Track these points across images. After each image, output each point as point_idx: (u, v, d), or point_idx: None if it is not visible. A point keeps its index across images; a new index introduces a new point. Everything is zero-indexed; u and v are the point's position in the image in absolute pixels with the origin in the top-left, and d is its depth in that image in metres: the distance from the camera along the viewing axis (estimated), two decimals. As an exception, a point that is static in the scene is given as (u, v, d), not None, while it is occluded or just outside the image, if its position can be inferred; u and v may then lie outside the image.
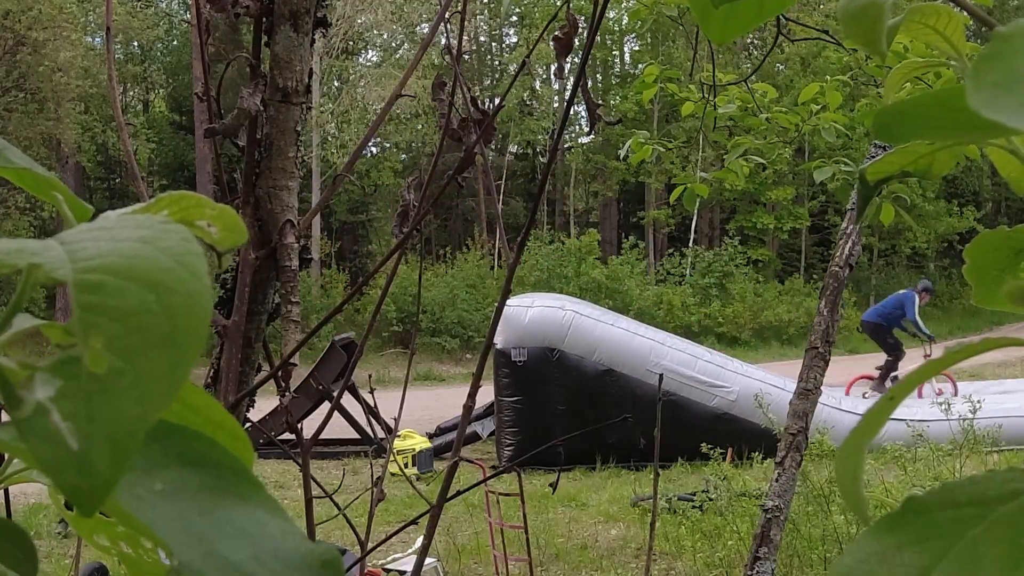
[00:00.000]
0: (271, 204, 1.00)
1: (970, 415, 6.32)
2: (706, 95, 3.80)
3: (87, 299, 0.30)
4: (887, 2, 0.39)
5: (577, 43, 0.96)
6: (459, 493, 1.41)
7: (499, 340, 9.40)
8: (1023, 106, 0.27)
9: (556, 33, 0.88)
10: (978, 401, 6.40)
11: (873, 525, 0.35)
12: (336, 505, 1.45)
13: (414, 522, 1.44)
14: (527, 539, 4.60)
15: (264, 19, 0.97)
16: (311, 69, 1.00)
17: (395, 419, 1.64)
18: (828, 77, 3.78)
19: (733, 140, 3.95)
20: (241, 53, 0.96)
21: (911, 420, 6.42)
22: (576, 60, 1.17)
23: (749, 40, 28.64)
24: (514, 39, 33.03)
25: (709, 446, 6.95)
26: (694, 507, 6.58)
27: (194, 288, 0.31)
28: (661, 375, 2.50)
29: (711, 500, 6.42)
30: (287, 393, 1.16)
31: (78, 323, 0.29)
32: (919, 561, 0.33)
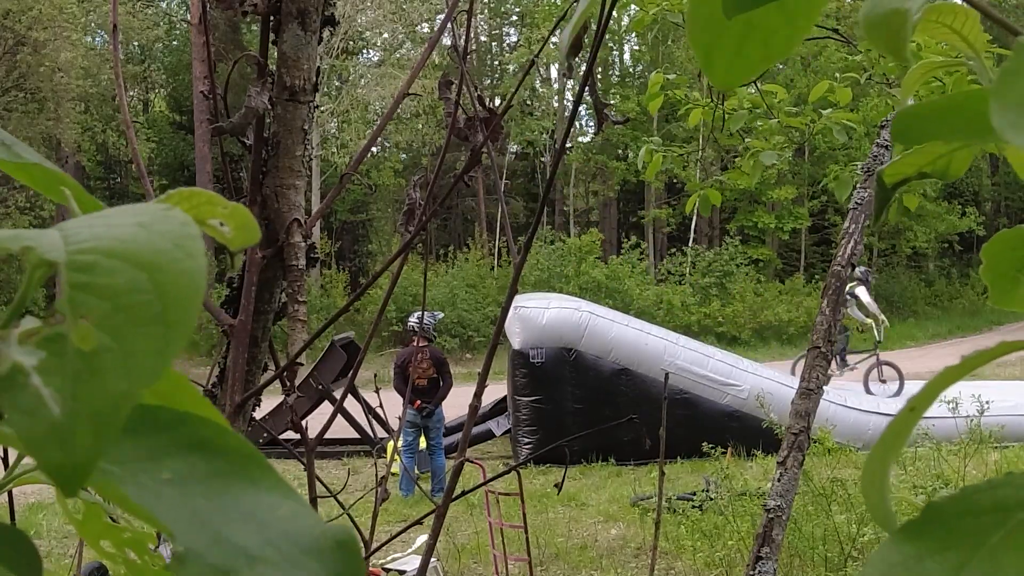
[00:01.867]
0: (278, 203, 0.99)
1: (976, 414, 6.33)
2: (714, 98, 3.79)
3: (78, 278, 0.29)
4: (911, 11, 0.38)
5: (585, 41, 0.96)
6: (464, 493, 1.41)
7: (517, 341, 9.59)
8: None
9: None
10: (987, 401, 6.41)
11: (894, 534, 0.35)
12: (340, 504, 1.45)
13: (418, 522, 1.43)
14: (527, 539, 4.61)
15: (272, 17, 0.96)
16: (319, 67, 1.00)
17: (398, 418, 1.64)
18: (837, 75, 3.76)
19: (747, 143, 3.94)
20: (247, 52, 0.95)
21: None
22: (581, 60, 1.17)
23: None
24: (514, 38, 33.04)
25: (711, 445, 6.98)
26: (694, 507, 6.59)
27: (188, 267, 0.30)
28: (667, 374, 2.50)
29: (711, 499, 6.42)
30: (293, 393, 1.16)
31: (67, 301, 0.29)
32: (940, 572, 0.33)
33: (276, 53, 0.98)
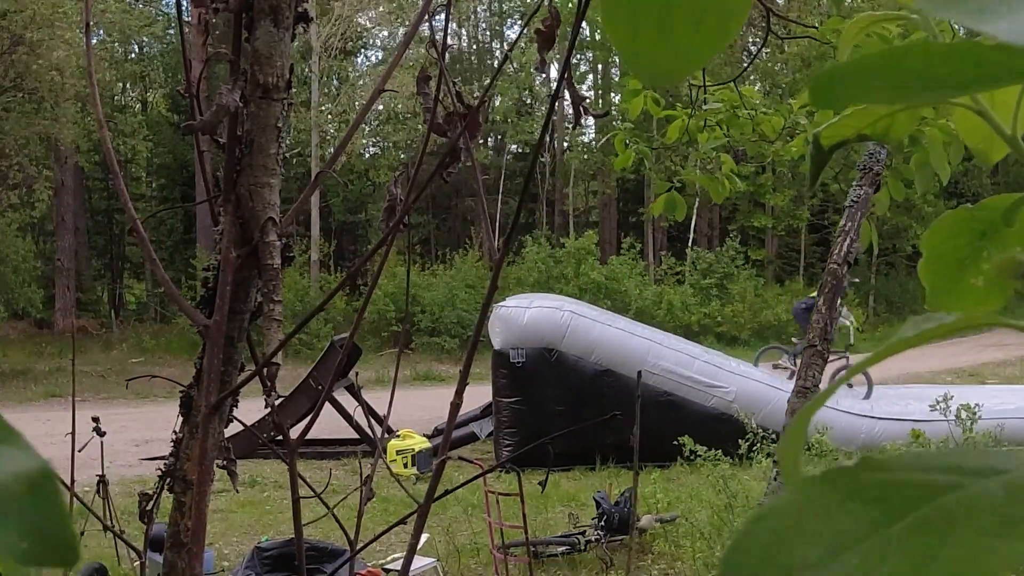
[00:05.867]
0: (252, 202, 0.98)
1: (971, 417, 6.31)
2: (694, 98, 3.78)
3: None
4: None
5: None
6: (447, 492, 1.40)
7: (497, 341, 9.43)
8: (977, 5, 0.24)
9: (538, 26, 0.87)
10: (977, 405, 6.38)
11: (822, 474, 0.30)
12: (325, 504, 1.44)
13: (403, 522, 1.42)
14: (527, 538, 4.60)
15: (244, 14, 0.96)
16: (292, 64, 0.99)
17: (384, 415, 1.63)
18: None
19: (707, 134, 3.92)
20: (218, 48, 0.95)
21: (910, 419, 6.42)
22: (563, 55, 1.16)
23: (751, 42, 28.60)
24: (515, 37, 32.99)
25: (705, 448, 6.92)
26: (565, 552, 6.49)
27: None
28: (639, 372, 2.49)
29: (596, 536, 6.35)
30: (273, 392, 1.15)
31: None
32: (869, 513, 0.28)
33: (249, 50, 0.97)
